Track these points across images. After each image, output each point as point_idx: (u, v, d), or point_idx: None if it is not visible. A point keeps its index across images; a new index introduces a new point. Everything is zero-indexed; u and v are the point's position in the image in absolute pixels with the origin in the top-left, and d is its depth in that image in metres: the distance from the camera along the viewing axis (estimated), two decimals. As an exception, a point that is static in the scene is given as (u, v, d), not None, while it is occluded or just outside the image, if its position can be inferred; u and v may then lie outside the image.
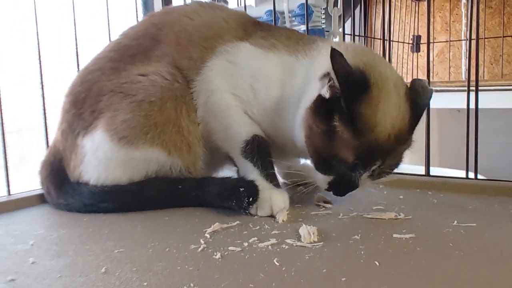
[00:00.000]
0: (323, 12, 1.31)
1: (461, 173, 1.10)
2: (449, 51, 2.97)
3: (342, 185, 0.84)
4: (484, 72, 2.85)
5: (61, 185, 0.99)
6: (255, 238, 0.75)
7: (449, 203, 0.94)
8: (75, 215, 0.94)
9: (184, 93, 0.96)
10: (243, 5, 1.42)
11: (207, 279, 0.60)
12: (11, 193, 1.06)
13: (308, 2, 1.26)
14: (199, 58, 0.97)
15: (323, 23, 1.30)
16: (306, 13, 1.23)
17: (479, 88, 1.82)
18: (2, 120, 1.09)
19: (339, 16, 1.30)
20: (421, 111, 0.84)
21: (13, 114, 1.45)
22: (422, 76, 3.14)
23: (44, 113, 1.22)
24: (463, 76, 2.88)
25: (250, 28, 1.02)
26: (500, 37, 2.77)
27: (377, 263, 0.63)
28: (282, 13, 1.33)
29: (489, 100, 2.17)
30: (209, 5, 1.09)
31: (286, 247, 0.71)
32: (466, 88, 1.10)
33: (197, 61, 0.97)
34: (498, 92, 2.24)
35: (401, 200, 0.95)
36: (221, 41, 0.99)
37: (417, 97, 0.83)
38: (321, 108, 0.81)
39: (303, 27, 1.27)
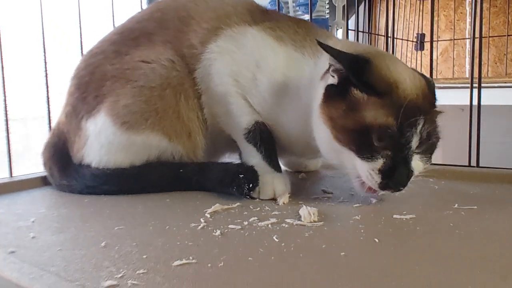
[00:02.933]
0: (327, 2, 1.31)
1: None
2: (453, 50, 2.97)
3: (396, 166, 0.74)
4: (488, 70, 2.85)
5: (64, 166, 0.99)
6: (255, 218, 0.75)
7: (450, 189, 0.94)
8: (77, 196, 0.94)
9: (182, 81, 0.96)
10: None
11: (206, 253, 0.60)
12: (13, 175, 1.07)
13: (312, -9, 1.26)
14: (201, 43, 0.97)
15: (327, 13, 1.30)
16: (310, 2, 1.23)
17: (482, 85, 1.82)
18: (6, 106, 1.10)
19: (343, 7, 1.30)
20: (434, 88, 0.83)
21: (18, 103, 1.45)
22: (427, 74, 3.14)
23: (48, 102, 1.23)
24: (467, 75, 2.87)
25: (257, 16, 1.00)
26: (505, 36, 2.76)
27: (376, 240, 0.63)
28: (286, 2, 1.34)
29: (492, 96, 2.17)
30: None
31: (286, 226, 0.71)
32: (469, 85, 1.11)
33: (198, 47, 0.97)
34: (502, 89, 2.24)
35: (403, 186, 0.95)
36: (227, 23, 0.97)
37: (426, 78, 0.83)
38: (334, 95, 0.78)
39: (307, 17, 1.27)
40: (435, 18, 3.03)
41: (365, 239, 0.64)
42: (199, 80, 0.97)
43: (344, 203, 0.85)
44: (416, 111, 0.74)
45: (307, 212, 0.74)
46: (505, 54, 2.78)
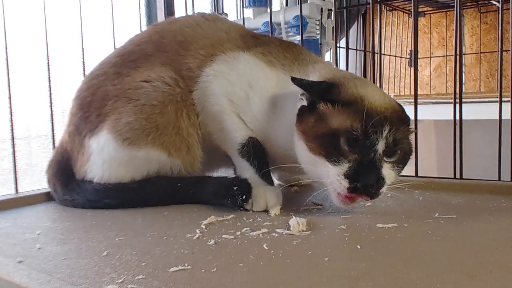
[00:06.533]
0: (317, 23, 1.38)
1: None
2: (446, 66, 3.04)
3: (363, 169, 0.79)
4: (480, 85, 2.91)
5: (67, 182, 1.04)
6: (248, 228, 0.80)
7: (433, 200, 0.99)
8: (80, 210, 0.99)
9: (185, 97, 1.02)
10: (242, 17, 1.50)
11: (200, 260, 0.65)
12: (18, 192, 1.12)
13: (303, 13, 1.33)
14: (198, 67, 1.03)
15: (317, 33, 1.37)
16: (301, 24, 1.30)
17: (476, 100, 1.88)
18: (12, 125, 1.16)
19: (333, 28, 1.37)
20: (405, 113, 0.89)
21: (21, 122, 1.51)
22: (420, 90, 3.21)
23: (52, 122, 1.29)
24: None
25: (249, 41, 1.07)
26: (495, 51, 2.83)
27: (359, 247, 0.68)
28: (279, 24, 1.40)
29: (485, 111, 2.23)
30: (212, 17, 1.16)
31: (276, 235, 0.76)
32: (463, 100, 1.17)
33: (195, 71, 1.03)
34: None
35: (389, 197, 0.99)
36: (221, 49, 1.04)
37: (398, 103, 0.89)
38: (305, 112, 0.87)
39: (298, 38, 1.33)
40: (428, 35, 3.12)
41: (348, 246, 0.69)
42: (196, 101, 1.02)
43: (332, 214, 0.90)
44: (382, 118, 0.80)
45: (296, 222, 0.79)
46: (496, 70, 2.85)
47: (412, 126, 0.88)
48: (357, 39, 2.53)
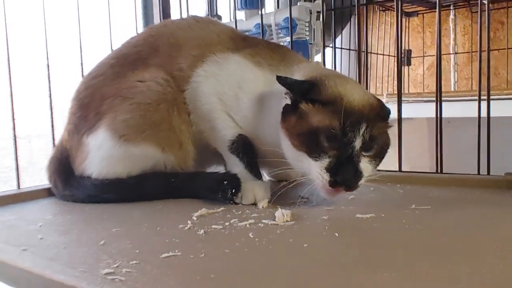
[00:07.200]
0: (307, 25, 1.43)
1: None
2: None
3: (342, 164, 0.85)
4: (472, 84, 2.97)
5: (67, 178, 1.10)
6: (236, 219, 0.85)
7: (412, 193, 1.05)
8: (79, 205, 1.05)
9: (176, 96, 1.07)
10: (234, 19, 1.55)
11: (190, 247, 0.70)
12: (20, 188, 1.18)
13: (293, 15, 1.38)
14: (189, 67, 1.08)
15: (307, 35, 1.43)
16: (291, 26, 1.35)
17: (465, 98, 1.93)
18: (14, 124, 1.22)
19: (322, 30, 1.42)
20: (385, 108, 0.94)
21: (22, 121, 1.57)
22: (414, 88, 3.27)
23: (52, 121, 1.34)
24: (452, 88, 2.99)
25: (239, 43, 1.13)
26: (485, 51, 2.89)
27: (336, 234, 0.74)
28: (270, 26, 1.46)
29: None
30: (204, 19, 1.22)
31: (262, 225, 0.82)
32: (454, 98, 1.22)
33: (186, 71, 1.08)
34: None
35: (372, 191, 1.05)
36: (211, 50, 1.10)
37: (380, 100, 0.95)
38: (289, 111, 0.92)
39: (288, 39, 1.39)
40: (422, 35, 3.17)
41: (327, 234, 0.75)
42: (188, 101, 1.08)
43: (317, 206, 0.95)
44: (359, 116, 0.86)
45: (281, 214, 0.85)
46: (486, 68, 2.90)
47: (390, 121, 0.94)
48: (350, 39, 2.58)
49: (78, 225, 0.88)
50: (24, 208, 1.04)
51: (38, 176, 1.55)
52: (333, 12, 1.58)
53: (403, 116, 2.27)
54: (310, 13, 1.44)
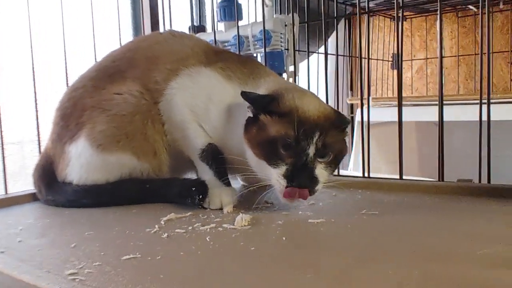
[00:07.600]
0: (282, 36, 1.50)
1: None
2: (427, 68, 3.16)
3: (298, 170, 0.92)
4: (459, 87, 3.03)
5: (50, 184, 1.18)
6: (199, 224, 0.92)
7: (369, 198, 1.12)
8: (60, 209, 1.13)
9: (150, 108, 1.15)
10: (216, 29, 1.63)
11: (150, 250, 0.78)
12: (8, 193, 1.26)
13: (267, 28, 1.46)
14: (164, 80, 1.16)
15: (282, 45, 1.50)
16: (264, 38, 1.42)
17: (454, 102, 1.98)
18: (1, 132, 1.30)
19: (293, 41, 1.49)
20: (342, 118, 1.02)
21: (15, 127, 1.64)
22: (403, 92, 3.32)
23: (38, 128, 1.43)
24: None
25: (211, 57, 1.20)
26: (473, 54, 2.96)
27: (284, 238, 0.81)
28: (247, 37, 1.53)
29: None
30: (180, 34, 1.30)
31: (221, 229, 0.89)
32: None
33: (161, 84, 1.16)
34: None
35: (333, 196, 1.13)
36: (185, 64, 1.17)
37: (337, 111, 1.03)
38: (250, 122, 1.00)
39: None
40: (410, 39, 3.23)
41: (276, 238, 0.82)
42: (162, 111, 1.16)
43: (277, 211, 1.03)
44: (313, 126, 0.94)
45: (241, 218, 0.92)
46: (474, 72, 2.97)
47: (347, 129, 1.01)
48: (337, 44, 2.64)
49: (55, 229, 0.96)
50: (8, 213, 1.12)
51: (30, 180, 1.63)
52: (306, 25, 1.65)
53: (387, 119, 2.35)
54: (285, 25, 1.51)
